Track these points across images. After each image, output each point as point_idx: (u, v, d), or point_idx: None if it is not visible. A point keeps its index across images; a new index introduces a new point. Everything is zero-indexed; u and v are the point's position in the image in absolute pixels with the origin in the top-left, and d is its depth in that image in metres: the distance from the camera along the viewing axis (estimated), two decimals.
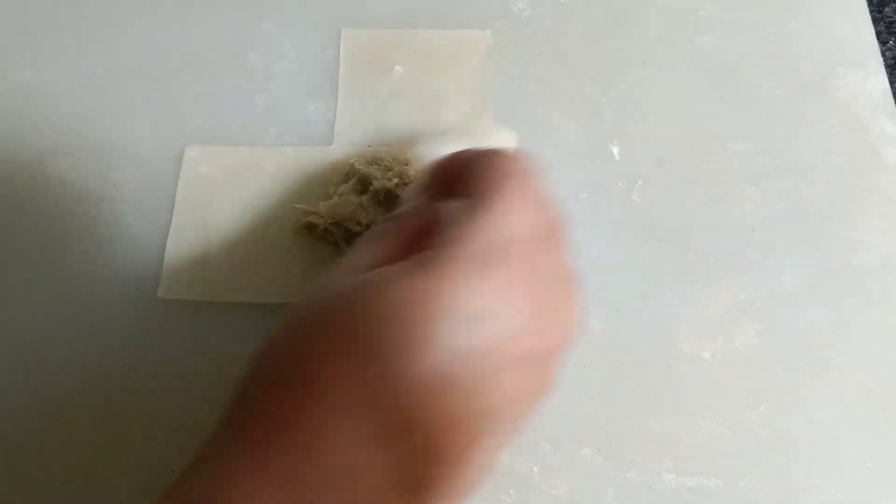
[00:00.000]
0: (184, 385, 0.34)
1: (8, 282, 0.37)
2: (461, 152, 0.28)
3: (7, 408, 0.34)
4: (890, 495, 0.32)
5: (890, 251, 0.37)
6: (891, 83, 0.41)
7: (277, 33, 0.43)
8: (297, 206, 0.37)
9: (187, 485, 0.23)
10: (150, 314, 0.36)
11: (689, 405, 0.34)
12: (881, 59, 0.41)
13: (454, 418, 0.22)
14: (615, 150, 0.39)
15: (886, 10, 0.46)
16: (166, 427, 0.34)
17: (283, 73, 0.42)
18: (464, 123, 0.38)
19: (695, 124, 0.40)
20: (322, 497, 0.22)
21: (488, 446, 0.23)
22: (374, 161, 0.37)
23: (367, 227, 0.35)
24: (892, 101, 0.40)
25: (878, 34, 0.43)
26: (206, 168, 0.39)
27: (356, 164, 0.37)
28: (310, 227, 0.37)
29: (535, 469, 0.33)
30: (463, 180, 0.25)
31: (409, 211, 0.27)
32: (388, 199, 0.36)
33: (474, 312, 0.22)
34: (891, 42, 0.45)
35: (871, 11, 0.43)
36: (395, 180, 0.36)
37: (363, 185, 0.36)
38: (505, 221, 0.24)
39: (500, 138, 0.38)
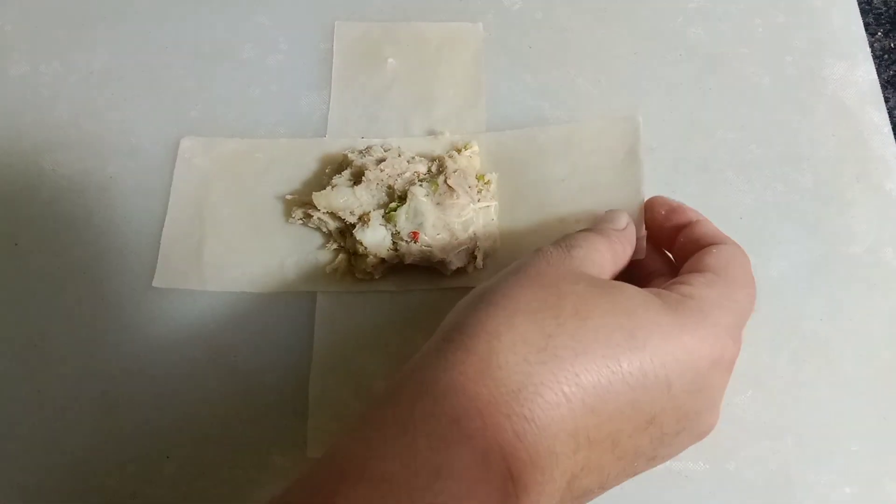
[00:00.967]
0: (178, 373, 0.35)
1: (4, 273, 0.37)
2: (704, 226, 0.32)
3: (2, 396, 0.35)
4: (876, 479, 0.33)
5: (877, 239, 0.37)
6: (878, 74, 0.41)
7: (272, 26, 0.43)
8: (291, 196, 0.38)
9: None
10: (145, 303, 0.36)
11: None
12: (869, 49, 0.42)
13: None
14: None
15: (874, 1, 0.46)
16: (160, 415, 0.34)
17: (277, 65, 0.42)
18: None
19: (685, 114, 0.40)
20: None
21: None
22: (368, 152, 0.38)
23: (360, 217, 0.36)
24: (880, 91, 0.41)
25: (867, 25, 0.43)
26: (201, 159, 0.39)
27: (349, 155, 0.38)
28: (303, 218, 0.37)
29: None
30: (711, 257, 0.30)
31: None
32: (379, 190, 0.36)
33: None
34: (879, 33, 0.45)
35: (859, 2, 0.43)
36: (387, 171, 0.36)
37: (356, 176, 0.37)
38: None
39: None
